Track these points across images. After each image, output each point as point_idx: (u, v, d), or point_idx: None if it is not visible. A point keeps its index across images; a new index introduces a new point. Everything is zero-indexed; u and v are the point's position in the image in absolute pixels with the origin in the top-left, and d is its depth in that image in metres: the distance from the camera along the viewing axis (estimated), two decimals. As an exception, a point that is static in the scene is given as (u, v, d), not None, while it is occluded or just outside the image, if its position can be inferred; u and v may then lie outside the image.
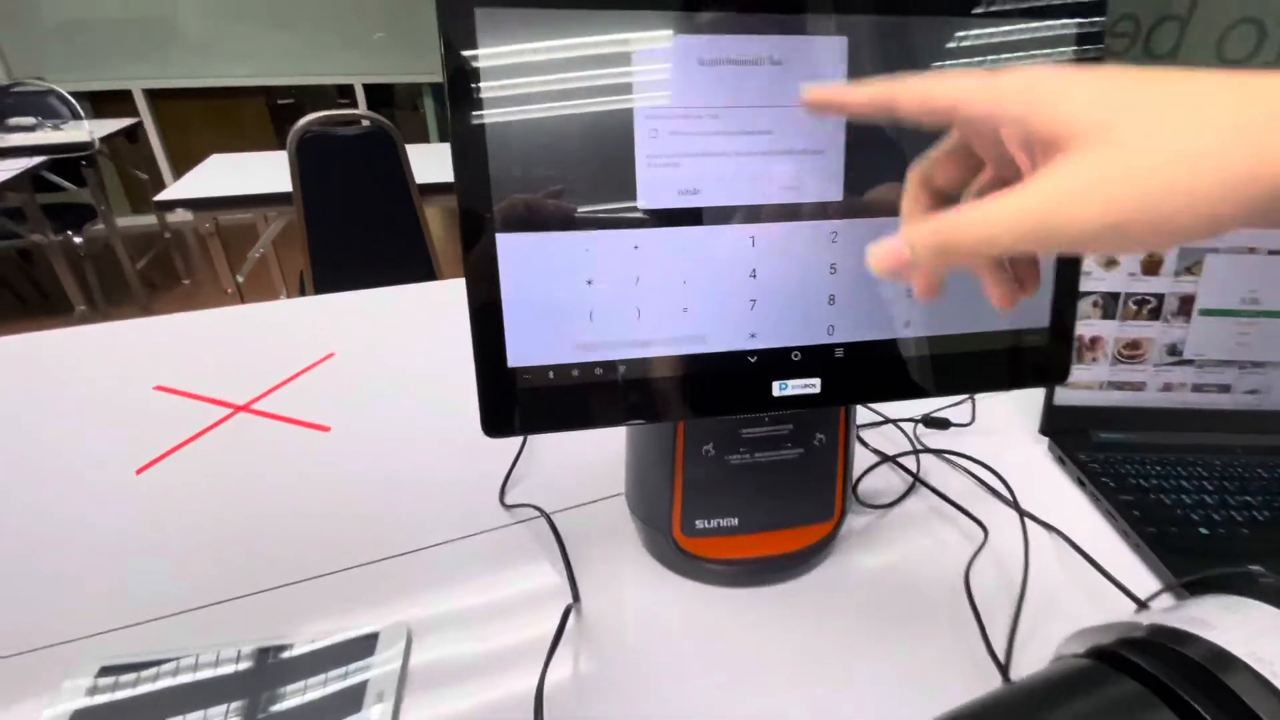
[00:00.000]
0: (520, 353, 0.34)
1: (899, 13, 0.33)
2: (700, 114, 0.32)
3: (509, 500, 0.53)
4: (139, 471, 0.57)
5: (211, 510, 0.53)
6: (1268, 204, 0.19)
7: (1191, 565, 0.46)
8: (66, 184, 2.60)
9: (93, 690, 0.38)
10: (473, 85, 0.30)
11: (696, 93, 0.32)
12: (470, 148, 0.31)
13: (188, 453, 0.60)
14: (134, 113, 3.39)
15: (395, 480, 0.56)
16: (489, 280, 0.32)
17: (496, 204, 0.31)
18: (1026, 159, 0.23)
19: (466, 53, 0.30)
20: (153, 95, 3.47)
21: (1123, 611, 0.44)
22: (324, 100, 3.77)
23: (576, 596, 0.44)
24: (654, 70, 0.32)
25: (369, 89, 3.79)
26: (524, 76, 0.31)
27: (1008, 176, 0.24)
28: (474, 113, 0.31)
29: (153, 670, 0.39)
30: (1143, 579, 0.46)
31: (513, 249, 0.32)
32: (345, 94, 3.80)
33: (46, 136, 2.35)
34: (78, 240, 2.44)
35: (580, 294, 0.33)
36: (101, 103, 3.38)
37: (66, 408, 0.66)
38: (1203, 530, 0.49)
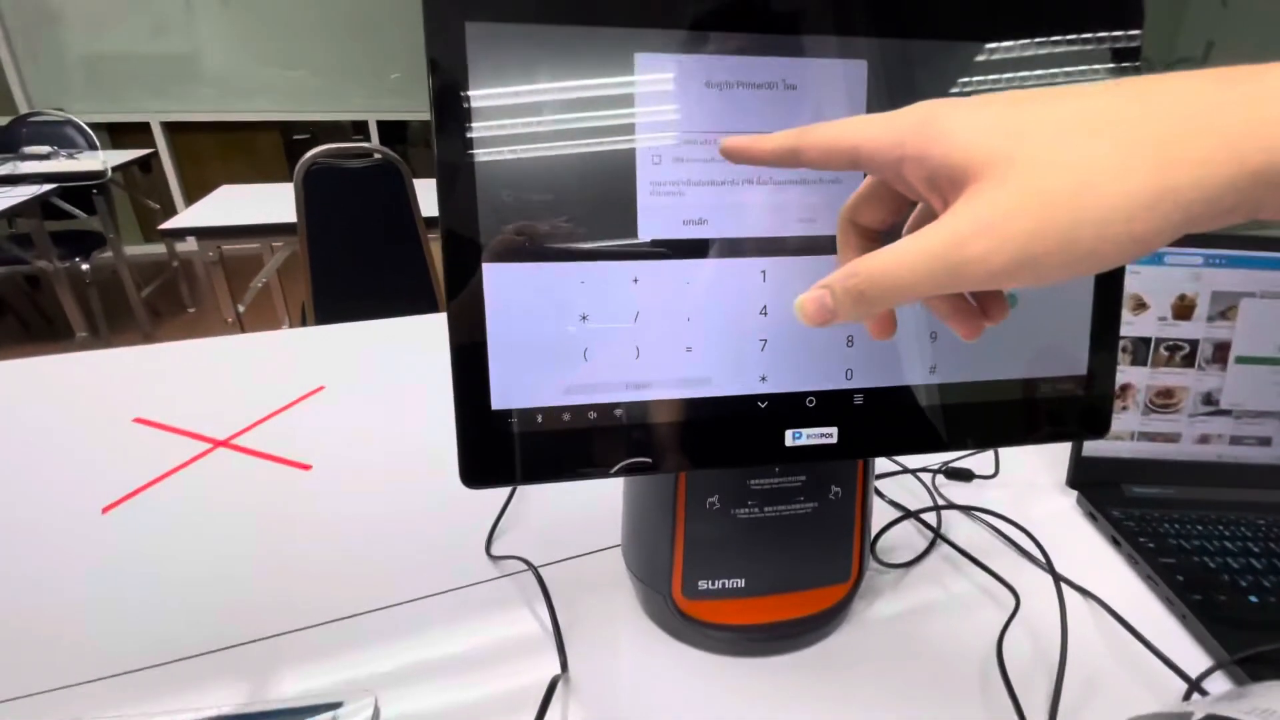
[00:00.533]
0: (506, 394, 0.30)
1: (925, 37, 0.31)
2: (708, 139, 0.30)
3: (495, 551, 0.49)
4: (105, 510, 0.54)
5: (176, 556, 0.49)
6: (1179, 218, 0.17)
7: (1244, 639, 0.42)
8: (78, 211, 2.62)
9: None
10: (461, 104, 0.28)
11: (704, 117, 0.30)
12: (457, 169, 0.28)
13: (159, 490, 0.56)
14: (151, 144, 3.45)
15: (376, 525, 0.52)
16: (473, 313, 0.29)
17: (483, 230, 0.29)
18: (936, 196, 0.22)
19: (455, 69, 0.28)
20: (170, 127, 3.54)
21: (1171, 692, 0.39)
22: (339, 136, 3.84)
23: (564, 665, 0.39)
24: (657, 92, 0.29)
25: (383, 126, 3.86)
26: (516, 96, 0.28)
27: (936, 210, 0.23)
28: (462, 133, 0.28)
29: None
30: (1190, 653, 0.42)
31: (500, 280, 0.29)
32: (360, 130, 3.87)
33: (60, 165, 2.38)
34: (85, 267, 2.44)
35: (574, 330, 0.30)
36: (119, 133, 3.45)
37: (38, 438, 0.63)
38: (1252, 598, 0.45)
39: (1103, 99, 0.19)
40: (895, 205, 0.26)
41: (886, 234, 0.27)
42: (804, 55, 0.30)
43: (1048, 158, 0.19)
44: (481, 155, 0.28)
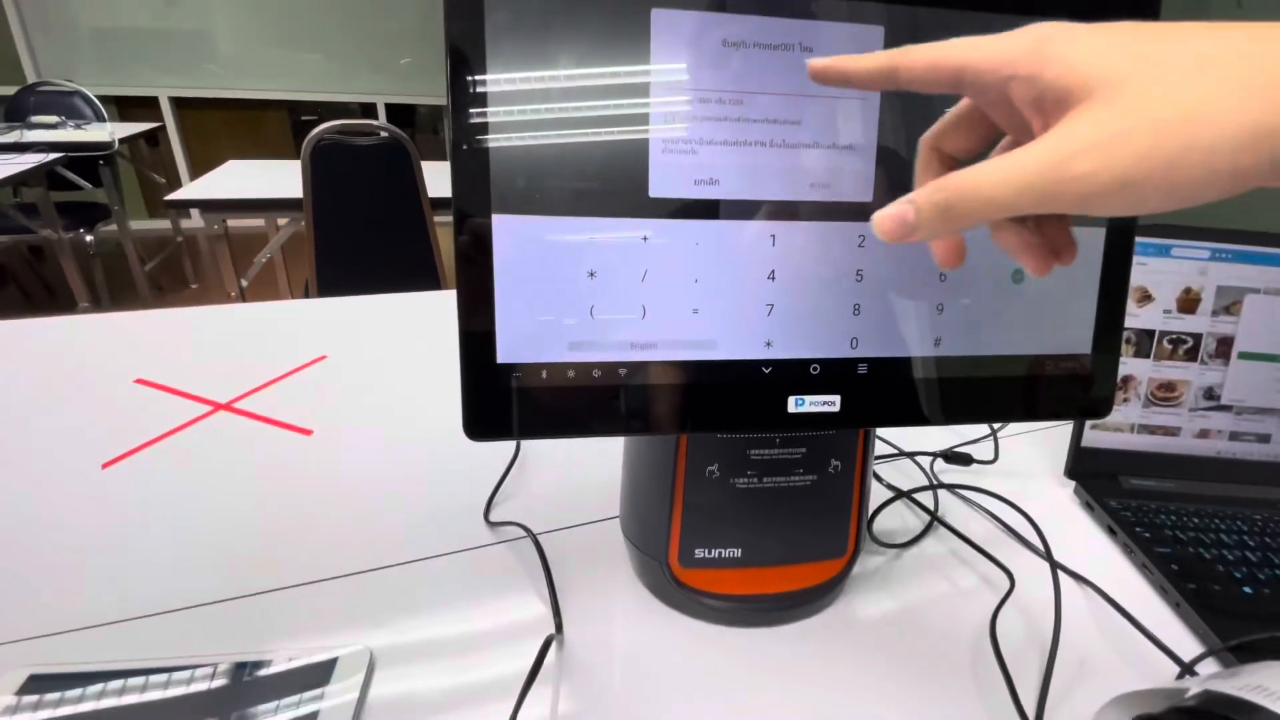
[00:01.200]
0: (511, 348, 0.30)
1: (940, 5, 0.31)
2: (723, 98, 0.30)
3: (494, 517, 0.49)
4: (105, 465, 0.54)
5: (175, 511, 0.49)
6: None
7: (1236, 628, 0.42)
8: (84, 183, 2.62)
9: (16, 701, 0.34)
10: (476, 57, 0.28)
11: (719, 75, 0.30)
12: (471, 120, 0.28)
13: (160, 449, 0.56)
14: (159, 119, 3.44)
15: (375, 489, 0.52)
16: (481, 265, 0.29)
17: (495, 180, 0.29)
18: (1039, 118, 0.22)
19: (472, 21, 0.28)
20: (179, 103, 3.53)
21: (1163, 675, 0.40)
22: (347, 118, 3.82)
23: (559, 627, 0.40)
24: (673, 49, 0.29)
25: (391, 109, 3.85)
26: (532, 49, 0.28)
27: (1025, 141, 0.22)
28: (477, 84, 0.28)
29: (82, 685, 0.35)
30: (1183, 640, 0.42)
31: (510, 232, 0.29)
32: (368, 112, 3.86)
33: (67, 135, 2.37)
34: (89, 239, 2.44)
35: (581, 287, 0.30)
36: (127, 107, 3.44)
37: (40, 395, 0.63)
38: (1246, 590, 0.45)
39: (1219, 36, 0.19)
40: (983, 133, 0.26)
41: (967, 164, 0.27)
42: (821, 19, 0.30)
43: (1161, 85, 0.19)
44: (496, 107, 0.28)
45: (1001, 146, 0.27)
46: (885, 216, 0.23)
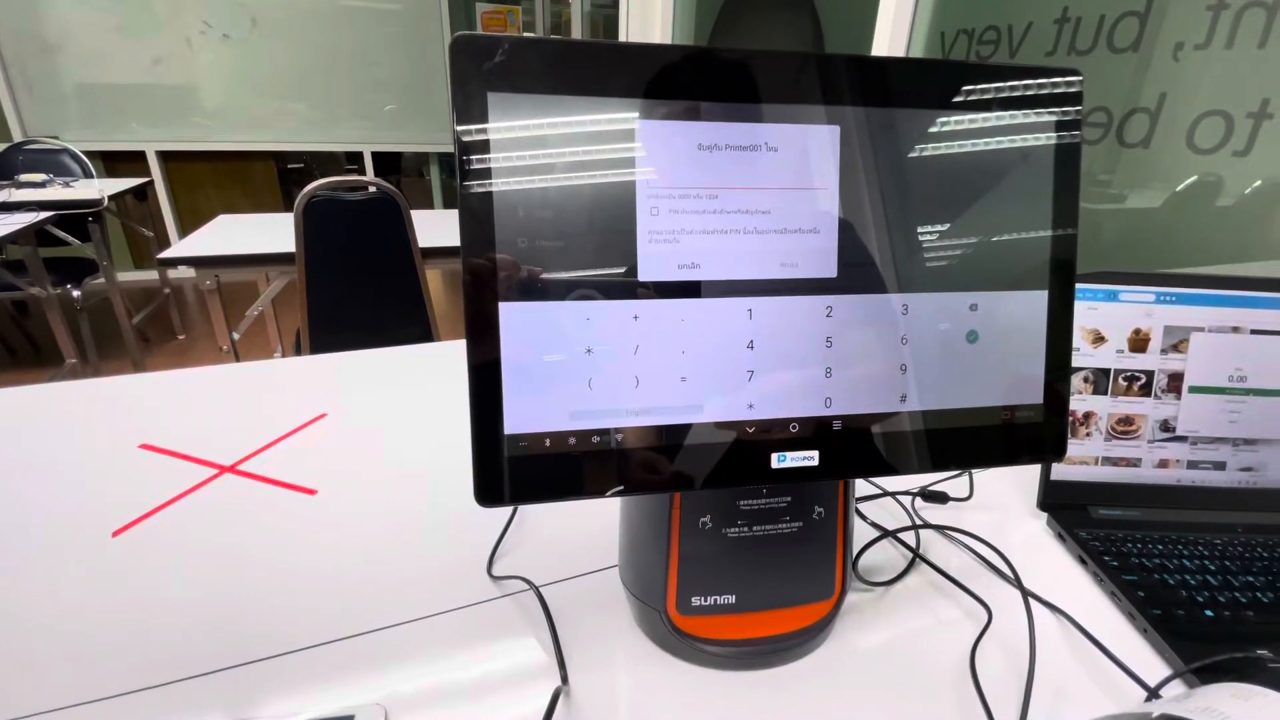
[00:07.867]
0: (518, 420, 0.33)
1: (886, 105, 0.35)
2: (700, 194, 0.34)
3: (497, 571, 0.51)
4: (115, 534, 0.55)
5: (187, 577, 0.51)
6: None
7: (1199, 650, 0.45)
8: (72, 239, 2.63)
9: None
10: (482, 163, 0.31)
11: (696, 175, 0.34)
12: (478, 221, 0.32)
13: (168, 515, 0.58)
14: (146, 172, 3.48)
15: (380, 548, 0.54)
16: (490, 348, 0.32)
17: (501, 273, 0.32)
18: None
19: (478, 133, 0.31)
20: (165, 156, 3.58)
21: (1133, 697, 0.42)
22: (332, 166, 3.90)
23: (565, 678, 0.42)
24: (655, 154, 0.33)
25: (377, 156, 3.92)
26: (532, 157, 0.32)
27: None
28: (482, 189, 0.32)
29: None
30: (1150, 663, 0.45)
31: (515, 317, 0.32)
32: (354, 160, 3.93)
33: (56, 193, 2.40)
34: (76, 294, 2.45)
35: (580, 362, 0.33)
36: (114, 161, 3.48)
37: (46, 463, 0.65)
38: (1208, 613, 0.48)
39: None
40: None
41: None
42: (784, 122, 0.34)
43: None
44: (500, 208, 0.32)
45: None
46: None
